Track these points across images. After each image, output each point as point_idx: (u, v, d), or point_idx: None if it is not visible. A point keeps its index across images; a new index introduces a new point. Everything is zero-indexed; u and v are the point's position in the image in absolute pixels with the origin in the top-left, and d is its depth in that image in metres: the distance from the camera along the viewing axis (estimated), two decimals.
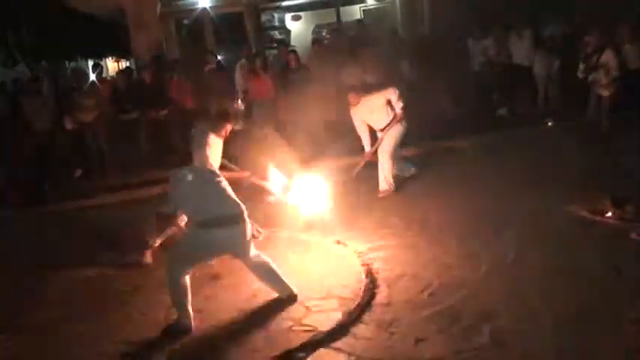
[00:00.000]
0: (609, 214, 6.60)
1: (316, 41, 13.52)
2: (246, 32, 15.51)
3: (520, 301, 4.98)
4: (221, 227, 5.08)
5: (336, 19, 15.63)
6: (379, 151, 8.40)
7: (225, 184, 5.28)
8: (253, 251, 5.38)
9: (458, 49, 12.91)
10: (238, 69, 12.64)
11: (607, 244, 5.91)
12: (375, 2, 16.47)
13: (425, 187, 8.47)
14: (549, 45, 12.17)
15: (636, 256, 5.59)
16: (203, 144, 6.48)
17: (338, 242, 6.79)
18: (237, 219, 5.14)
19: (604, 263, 5.49)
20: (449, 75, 12.55)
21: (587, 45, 9.71)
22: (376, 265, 6.01)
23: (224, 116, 6.69)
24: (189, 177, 5.21)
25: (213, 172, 5.54)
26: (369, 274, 5.82)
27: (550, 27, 12.78)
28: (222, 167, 6.63)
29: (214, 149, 6.59)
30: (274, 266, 5.43)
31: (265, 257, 5.46)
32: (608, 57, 9.44)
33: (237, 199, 5.25)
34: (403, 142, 8.62)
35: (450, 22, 13.60)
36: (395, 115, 8.31)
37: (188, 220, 5.54)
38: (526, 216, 6.84)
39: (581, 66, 9.67)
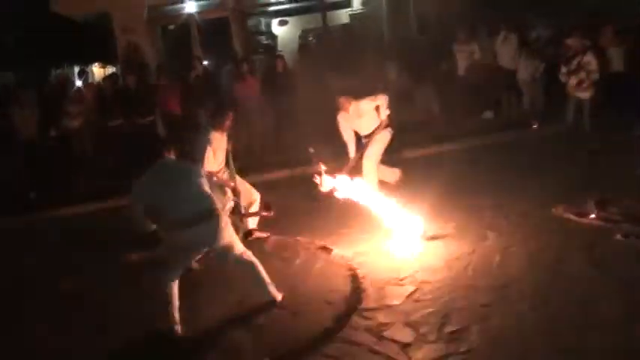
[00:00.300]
0: (594, 215, 6.66)
1: (303, 46, 13.54)
2: (232, 37, 15.52)
3: (508, 302, 5.00)
4: (197, 225, 4.99)
5: (322, 24, 15.65)
6: (365, 157, 8.40)
7: (202, 181, 5.22)
8: (239, 248, 5.34)
9: (444, 53, 12.97)
10: (225, 74, 12.65)
11: (592, 245, 5.94)
12: (361, 7, 16.51)
13: (410, 191, 8.50)
14: (534, 48, 12.25)
15: (620, 256, 5.63)
16: (205, 142, 6.60)
17: (324, 247, 6.77)
18: (211, 213, 5.07)
19: (589, 264, 5.52)
20: (435, 79, 12.64)
21: (569, 48, 9.76)
22: (363, 270, 6.00)
23: (223, 109, 6.89)
24: (163, 172, 5.20)
25: (190, 169, 5.42)
26: (356, 279, 5.83)
27: (536, 30, 12.89)
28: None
29: (218, 146, 6.71)
30: (260, 268, 5.39)
31: (252, 257, 5.40)
32: (589, 59, 9.50)
33: (211, 196, 5.18)
34: (389, 148, 8.64)
35: (436, 26, 13.68)
36: (381, 122, 8.36)
37: (160, 223, 5.45)
38: (512, 218, 6.88)
39: (563, 69, 9.72)
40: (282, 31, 16.84)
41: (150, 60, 14.38)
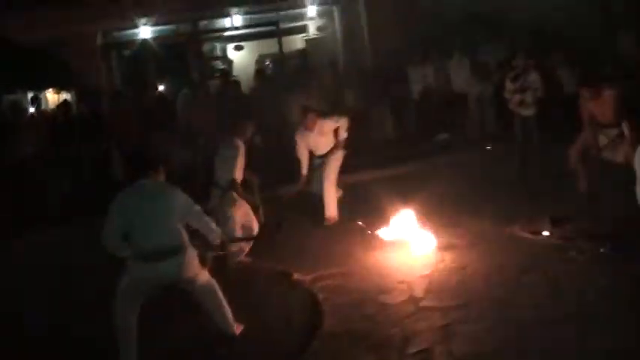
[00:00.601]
0: (548, 233, 6.79)
1: (259, 71, 13.57)
2: (188, 62, 15.49)
3: (469, 322, 5.03)
4: (161, 260, 4.77)
5: (278, 49, 15.73)
6: (324, 176, 8.49)
7: (179, 208, 4.94)
8: (203, 278, 5.09)
9: (398, 77, 13.15)
10: (181, 99, 12.58)
11: (548, 262, 6.05)
12: (316, 32, 16.65)
13: (367, 213, 8.57)
14: (484, 70, 12.52)
15: (576, 273, 5.73)
16: (237, 155, 6.94)
17: (282, 273, 6.72)
18: (178, 250, 4.84)
19: (546, 282, 5.62)
20: (390, 102, 12.82)
21: (515, 67, 10.02)
22: (321, 295, 5.96)
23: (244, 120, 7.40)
24: (139, 193, 4.93)
25: (172, 194, 5.01)
26: (314, 304, 5.79)
27: (487, 52, 13.15)
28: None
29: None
30: (221, 297, 5.20)
31: (215, 286, 5.16)
32: (533, 78, 9.77)
33: (180, 230, 4.91)
34: (343, 169, 8.77)
35: (390, 50, 13.86)
36: (338, 142, 8.51)
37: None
38: (468, 237, 6.98)
39: (510, 86, 9.95)
40: (238, 56, 16.85)
41: (104, 86, 14.24)
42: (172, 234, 4.86)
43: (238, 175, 7.12)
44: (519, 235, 6.91)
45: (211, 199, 7.20)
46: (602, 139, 7.42)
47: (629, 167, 6.28)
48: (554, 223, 6.94)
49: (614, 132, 7.23)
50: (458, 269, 6.17)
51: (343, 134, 8.54)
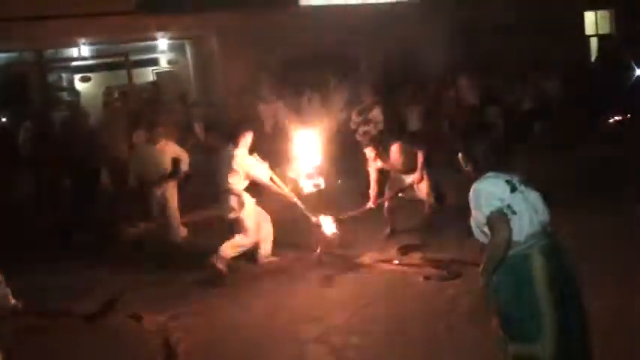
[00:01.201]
0: (397, 261, 7.13)
1: (107, 103, 13.23)
2: (31, 93, 14.79)
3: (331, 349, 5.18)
4: None
5: (128, 81, 15.41)
6: (168, 207, 8.79)
7: None
8: None
9: (252, 113, 13.30)
10: (23, 132, 12.01)
11: (396, 288, 6.38)
12: (167, 66, 16.50)
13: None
14: (334, 107, 13.00)
15: (423, 296, 6.08)
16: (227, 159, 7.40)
17: (132, 316, 6.44)
18: None
19: (395, 306, 5.95)
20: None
21: (363, 101, 10.74)
22: (176, 336, 5.81)
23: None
24: None
25: None
26: (167, 346, 5.63)
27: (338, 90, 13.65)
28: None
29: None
30: None
31: None
32: (375, 113, 10.47)
33: None
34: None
35: (242, 86, 14.01)
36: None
37: None
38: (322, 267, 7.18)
39: (355, 119, 10.62)
40: (85, 87, 16.32)
41: None
42: None
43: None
44: (370, 263, 7.20)
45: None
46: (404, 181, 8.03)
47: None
48: (402, 251, 7.33)
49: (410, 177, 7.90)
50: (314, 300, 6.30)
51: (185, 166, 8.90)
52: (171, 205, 8.94)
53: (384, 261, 7.24)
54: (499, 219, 3.31)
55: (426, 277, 6.60)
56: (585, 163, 10.92)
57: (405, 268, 7.02)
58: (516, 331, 3.39)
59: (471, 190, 3.47)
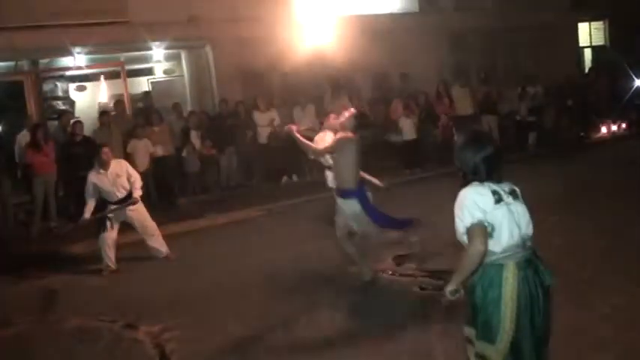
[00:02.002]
0: (391, 271, 7.14)
1: (103, 112, 13.23)
2: (26, 102, 14.76)
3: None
4: None
5: (123, 90, 15.42)
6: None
7: None
8: None
9: (246, 121, 13.37)
10: (19, 141, 12.00)
11: (392, 298, 6.40)
12: (163, 75, 16.52)
13: (210, 256, 8.58)
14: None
15: (416, 306, 6.09)
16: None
17: (128, 325, 6.43)
18: None
19: (389, 316, 5.91)
20: (238, 147, 12.99)
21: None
22: (170, 346, 5.80)
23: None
24: None
25: None
26: (162, 356, 5.63)
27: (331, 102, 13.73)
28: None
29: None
30: None
31: None
32: None
33: None
34: None
35: (237, 95, 14.07)
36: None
37: None
38: (312, 279, 7.17)
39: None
40: (81, 96, 16.30)
41: None
42: None
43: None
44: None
45: None
46: None
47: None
48: (397, 262, 7.34)
49: None
50: (302, 308, 6.26)
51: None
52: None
53: (378, 271, 7.23)
54: (478, 231, 3.35)
55: (422, 288, 6.61)
56: (580, 173, 10.98)
57: (400, 278, 7.03)
58: (480, 331, 3.47)
59: (458, 195, 3.49)
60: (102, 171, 8.44)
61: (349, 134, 6.69)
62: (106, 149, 8.58)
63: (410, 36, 15.34)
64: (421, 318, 5.77)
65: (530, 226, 3.49)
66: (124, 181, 8.55)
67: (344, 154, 6.64)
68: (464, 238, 3.46)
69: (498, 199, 3.41)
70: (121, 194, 8.52)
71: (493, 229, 3.38)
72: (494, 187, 3.46)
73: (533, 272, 3.44)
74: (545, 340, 3.51)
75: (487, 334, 3.44)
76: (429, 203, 9.09)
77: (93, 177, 8.47)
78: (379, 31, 15.11)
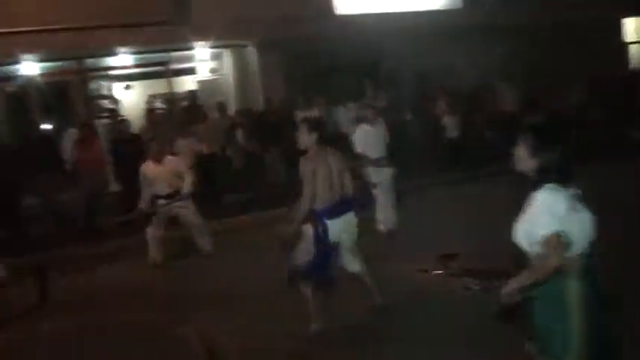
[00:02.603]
0: (436, 271, 7.01)
1: (150, 111, 13.41)
2: (74, 101, 15.03)
3: None
4: None
5: (168, 90, 15.61)
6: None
7: None
8: None
9: (290, 120, 13.39)
10: (67, 138, 12.24)
11: (436, 297, 6.32)
12: (208, 74, 16.64)
13: (255, 253, 8.62)
14: None
15: (460, 305, 5.93)
16: None
17: (174, 320, 6.49)
18: None
19: (433, 314, 5.94)
20: (282, 144, 13.02)
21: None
22: (218, 342, 5.86)
23: None
24: None
25: None
26: (210, 352, 5.69)
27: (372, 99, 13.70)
28: None
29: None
30: None
31: None
32: None
33: None
34: None
35: (281, 94, 14.12)
36: None
37: None
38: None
39: None
40: (127, 95, 16.52)
41: None
42: None
43: None
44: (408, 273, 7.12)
45: None
46: None
47: None
48: (443, 261, 7.20)
49: None
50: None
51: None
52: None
53: (422, 270, 7.12)
54: (556, 244, 3.12)
55: (466, 288, 6.47)
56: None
57: (444, 277, 6.90)
58: (546, 345, 3.30)
59: (533, 198, 3.23)
60: (153, 165, 8.56)
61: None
62: (155, 143, 8.70)
63: (454, 32, 15.18)
64: (466, 316, 5.71)
65: (594, 234, 3.25)
66: (174, 176, 8.64)
67: None
68: (534, 248, 3.22)
69: (572, 206, 3.17)
70: (170, 190, 8.61)
71: (565, 237, 3.14)
72: (569, 190, 3.22)
73: (597, 282, 3.24)
74: (615, 353, 3.30)
75: (553, 349, 3.25)
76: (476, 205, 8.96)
77: (144, 169, 8.59)
78: (423, 26, 14.99)
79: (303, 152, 5.88)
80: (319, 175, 5.78)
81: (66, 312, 7.21)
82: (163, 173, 8.59)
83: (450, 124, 13.56)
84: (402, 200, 9.27)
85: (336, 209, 5.81)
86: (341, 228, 5.85)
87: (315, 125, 6.01)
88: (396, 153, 9.26)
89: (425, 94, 15.39)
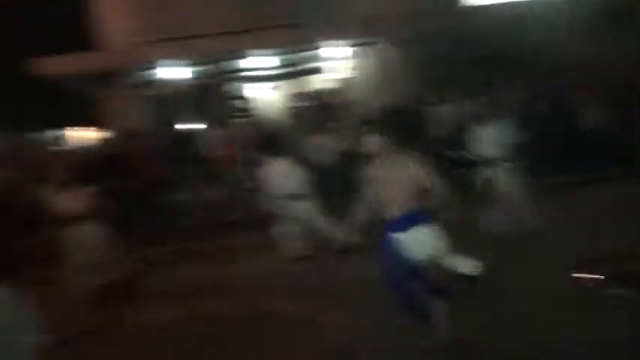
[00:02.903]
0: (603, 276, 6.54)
1: (286, 110, 13.65)
2: (211, 101, 15.50)
3: None
4: None
5: (307, 88, 15.84)
6: None
7: None
8: None
9: (426, 116, 13.15)
10: (206, 137, 12.68)
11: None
12: (343, 73, 16.65)
13: None
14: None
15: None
16: None
17: (314, 310, 6.60)
18: None
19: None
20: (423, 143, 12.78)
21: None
22: (351, 335, 5.85)
23: None
24: None
25: None
26: (341, 346, 5.67)
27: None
28: None
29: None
30: None
31: None
32: None
33: None
34: None
35: (416, 91, 13.92)
36: None
37: None
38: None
39: None
40: (263, 96, 16.83)
41: (133, 124, 14.28)
42: None
43: None
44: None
45: None
46: None
47: None
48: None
49: None
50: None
51: None
52: None
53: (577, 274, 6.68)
54: None
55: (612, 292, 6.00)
56: None
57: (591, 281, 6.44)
58: None
59: None
60: (281, 162, 8.64)
61: None
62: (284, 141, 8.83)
63: (593, 19, 14.17)
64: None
65: None
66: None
67: None
68: None
69: None
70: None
71: None
72: None
73: None
74: None
75: None
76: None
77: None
78: (556, 13, 14.18)
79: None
80: (385, 182, 5.38)
81: (211, 299, 7.46)
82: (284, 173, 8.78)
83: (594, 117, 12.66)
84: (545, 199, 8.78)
85: (408, 221, 5.25)
86: (417, 242, 5.20)
87: (378, 127, 5.57)
88: (529, 148, 8.79)
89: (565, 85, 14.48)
